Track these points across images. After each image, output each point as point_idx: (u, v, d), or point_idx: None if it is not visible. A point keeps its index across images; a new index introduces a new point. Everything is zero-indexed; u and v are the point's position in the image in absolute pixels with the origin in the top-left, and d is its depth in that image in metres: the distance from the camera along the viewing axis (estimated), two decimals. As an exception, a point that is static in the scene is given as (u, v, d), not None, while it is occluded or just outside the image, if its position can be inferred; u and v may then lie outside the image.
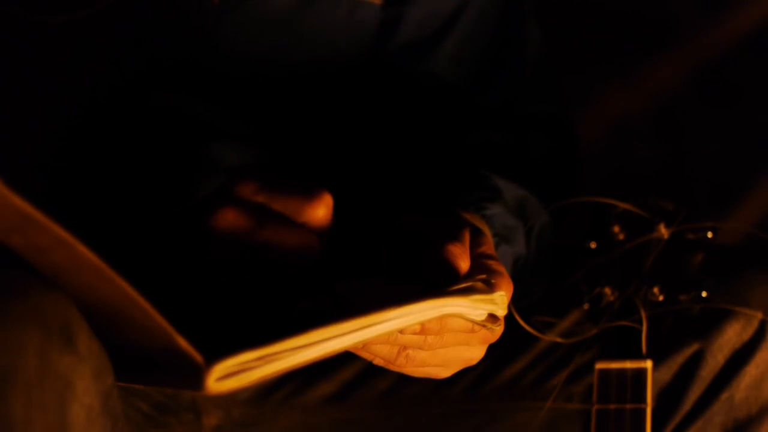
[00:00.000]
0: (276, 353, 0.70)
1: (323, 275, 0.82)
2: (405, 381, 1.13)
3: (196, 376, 0.67)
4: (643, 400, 1.02)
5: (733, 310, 1.07)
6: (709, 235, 1.08)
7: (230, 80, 1.07)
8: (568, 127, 1.23)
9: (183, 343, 0.68)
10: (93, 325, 0.74)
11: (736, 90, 1.68)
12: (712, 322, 1.07)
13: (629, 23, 1.69)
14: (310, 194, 0.82)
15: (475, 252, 0.88)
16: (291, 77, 1.09)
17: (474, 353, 0.87)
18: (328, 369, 1.14)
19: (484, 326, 0.84)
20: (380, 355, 0.83)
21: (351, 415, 1.13)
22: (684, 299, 1.07)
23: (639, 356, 1.04)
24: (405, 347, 0.83)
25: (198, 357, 0.68)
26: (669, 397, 1.08)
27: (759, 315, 1.07)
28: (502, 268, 0.87)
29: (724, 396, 1.06)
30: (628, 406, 1.02)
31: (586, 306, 1.09)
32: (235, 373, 0.68)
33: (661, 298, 1.07)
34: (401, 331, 0.81)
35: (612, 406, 1.02)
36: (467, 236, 0.88)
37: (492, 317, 0.84)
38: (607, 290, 1.08)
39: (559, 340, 1.10)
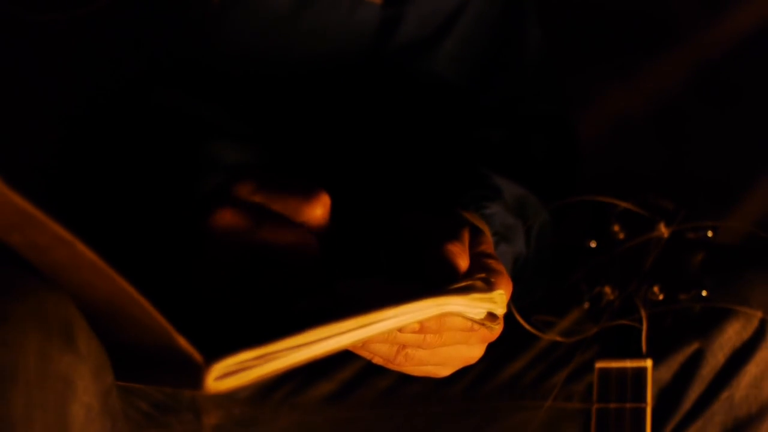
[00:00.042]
0: (275, 352, 0.70)
1: (322, 274, 0.82)
2: (405, 380, 1.13)
3: (195, 375, 0.67)
4: (643, 399, 1.02)
5: (733, 309, 1.07)
6: (709, 234, 1.08)
7: (230, 79, 1.07)
8: (568, 126, 1.23)
9: (182, 342, 0.68)
10: (92, 323, 0.74)
11: (736, 89, 1.68)
12: (712, 321, 1.07)
13: (629, 23, 1.69)
14: (307, 194, 0.82)
15: (475, 251, 0.88)
16: (291, 76, 1.09)
17: (473, 352, 0.87)
18: (327, 368, 1.14)
19: (483, 325, 0.84)
20: (379, 354, 0.83)
21: (351, 414, 1.14)
22: (684, 298, 1.07)
23: (639, 355, 1.04)
24: (404, 346, 0.83)
25: (197, 356, 0.68)
26: (669, 396, 1.08)
27: (759, 314, 1.07)
28: (501, 267, 0.87)
29: (725, 395, 1.06)
30: (628, 405, 1.02)
31: (586, 305, 1.09)
32: (234, 372, 0.68)
33: (661, 297, 1.07)
34: (400, 330, 0.81)
35: (612, 406, 1.02)
36: (467, 235, 0.88)
37: (491, 316, 0.84)
38: (607, 289, 1.08)
39: (559, 339, 1.10)
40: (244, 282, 0.82)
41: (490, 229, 1.00)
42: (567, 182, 1.21)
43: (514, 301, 1.00)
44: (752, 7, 1.65)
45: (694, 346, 1.07)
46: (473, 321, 0.83)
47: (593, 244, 1.10)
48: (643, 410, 1.01)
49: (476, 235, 0.91)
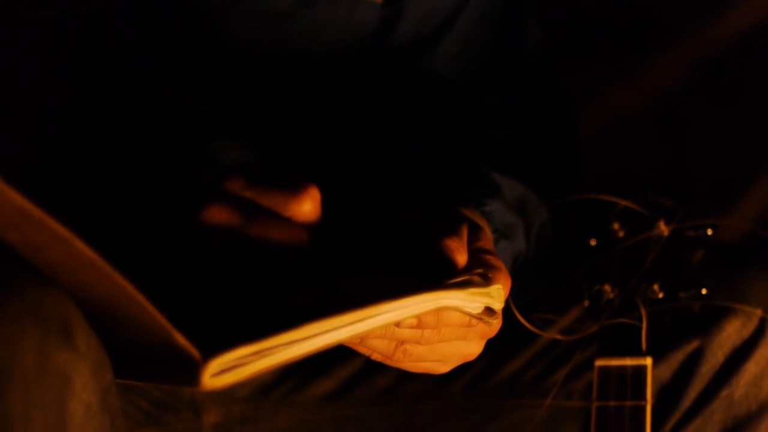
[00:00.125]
0: (272, 347, 0.70)
1: (315, 269, 0.82)
2: (404, 378, 1.13)
3: (192, 371, 0.68)
4: (643, 397, 1.02)
5: (733, 307, 1.07)
6: (709, 232, 1.08)
7: (230, 78, 1.07)
8: (568, 124, 1.23)
9: (180, 338, 0.68)
10: (91, 321, 0.75)
11: (736, 88, 1.68)
12: (712, 319, 1.07)
13: (629, 21, 1.69)
14: (295, 189, 0.82)
15: (473, 247, 0.88)
16: (291, 74, 1.09)
17: (472, 348, 0.87)
18: (327, 366, 1.14)
19: (481, 319, 0.84)
20: (378, 350, 0.84)
21: (350, 412, 1.14)
22: (684, 296, 1.07)
23: (639, 353, 1.04)
24: (402, 342, 0.83)
25: (195, 352, 0.68)
26: (669, 394, 1.07)
27: (759, 312, 1.07)
28: (500, 263, 0.87)
29: (724, 393, 1.06)
30: (627, 403, 1.02)
31: (586, 303, 1.09)
32: (232, 368, 0.69)
33: (661, 295, 1.07)
34: (398, 326, 0.81)
35: (612, 404, 1.02)
36: (465, 231, 0.88)
37: (489, 311, 0.84)
38: (607, 287, 1.08)
39: (559, 337, 1.10)
40: (236, 278, 0.82)
41: (489, 226, 1.00)
42: (567, 180, 1.21)
43: (513, 298, 1.00)
44: (752, 6, 1.65)
45: (693, 345, 1.07)
46: (471, 316, 0.83)
47: (593, 242, 1.10)
48: (643, 408, 1.01)
49: (475, 231, 0.91)
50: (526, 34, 1.21)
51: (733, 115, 1.68)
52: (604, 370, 1.04)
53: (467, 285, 0.82)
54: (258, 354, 0.69)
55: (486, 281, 0.84)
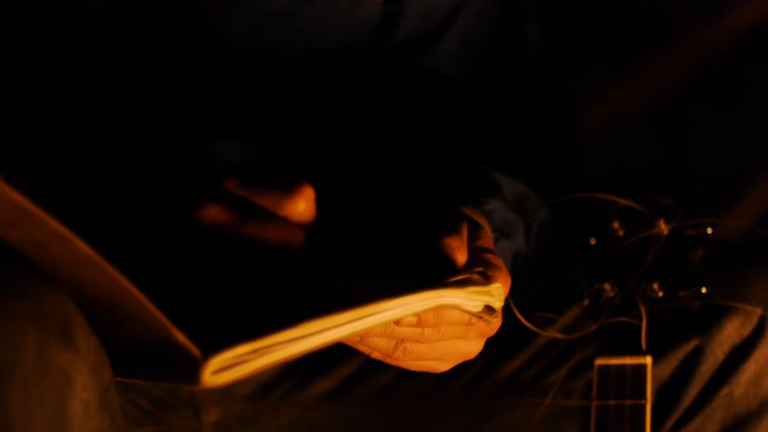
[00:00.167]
0: (271, 345, 0.70)
1: (311, 268, 0.82)
2: (404, 377, 1.13)
3: (192, 369, 0.68)
4: (643, 396, 1.02)
5: (733, 306, 1.07)
6: (709, 231, 1.08)
7: (230, 76, 1.07)
8: (568, 123, 1.23)
9: (180, 336, 0.68)
10: (90, 319, 0.75)
11: (736, 87, 1.68)
12: (711, 318, 1.07)
13: (629, 20, 1.69)
14: (289, 188, 0.82)
15: (473, 245, 0.88)
16: (291, 73, 1.09)
17: (472, 347, 0.87)
18: (327, 366, 1.14)
19: (480, 318, 0.84)
20: (378, 349, 0.84)
21: (350, 411, 1.14)
22: (684, 295, 1.06)
23: (639, 352, 1.04)
24: (402, 340, 0.83)
25: (195, 350, 0.68)
26: (668, 393, 1.07)
27: (758, 311, 1.07)
28: (499, 262, 0.87)
29: (724, 392, 1.06)
30: (627, 402, 1.02)
31: (585, 302, 1.09)
32: (231, 366, 0.69)
33: (660, 294, 1.07)
34: (398, 324, 0.81)
35: (611, 402, 1.02)
36: (465, 230, 0.88)
37: (489, 309, 0.84)
38: (607, 286, 1.08)
39: (558, 336, 1.10)
40: (231, 277, 0.82)
41: (489, 225, 1.00)
42: (567, 179, 1.21)
43: (513, 297, 1.00)
44: (752, 5, 1.65)
45: (693, 343, 1.07)
46: (471, 314, 0.83)
47: (593, 241, 1.10)
48: (643, 407, 1.01)
49: (475, 230, 0.91)
50: (526, 33, 1.22)
51: (733, 114, 1.68)
52: (604, 368, 1.04)
53: (467, 283, 0.82)
54: (258, 352, 0.69)
55: (486, 280, 0.84)
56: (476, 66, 1.17)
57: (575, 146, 1.23)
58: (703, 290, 1.06)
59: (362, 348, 0.84)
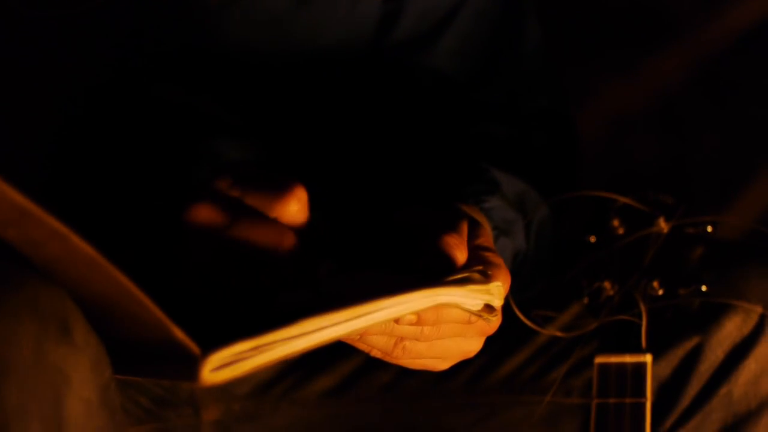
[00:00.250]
0: (271, 343, 0.70)
1: (301, 270, 0.82)
2: (404, 375, 1.13)
3: (191, 366, 0.68)
4: (643, 394, 1.02)
5: (733, 304, 1.07)
6: (709, 229, 1.08)
7: (229, 75, 1.07)
8: (568, 121, 1.23)
9: (179, 334, 0.68)
10: (90, 318, 0.75)
11: (735, 85, 1.68)
12: (711, 316, 1.07)
13: (629, 18, 1.69)
14: (281, 189, 0.82)
15: (473, 244, 0.88)
16: (292, 72, 1.09)
17: (471, 345, 0.87)
18: (327, 364, 1.14)
19: (480, 317, 0.84)
20: (377, 347, 0.83)
21: (350, 409, 1.14)
22: (683, 293, 1.06)
23: (638, 350, 1.04)
24: (402, 339, 0.83)
25: (194, 348, 0.68)
26: (668, 391, 1.07)
27: (758, 309, 1.07)
28: (499, 260, 0.87)
29: (723, 390, 1.06)
30: (627, 400, 1.02)
31: (585, 300, 1.09)
32: (230, 363, 0.69)
33: (660, 292, 1.07)
34: (397, 322, 0.81)
35: (611, 401, 1.02)
36: (465, 228, 0.88)
37: (488, 308, 0.84)
38: (607, 284, 1.08)
39: (558, 334, 1.10)
40: (221, 277, 0.82)
41: (489, 223, 1.00)
42: (567, 177, 1.21)
43: (513, 295, 1.00)
44: (752, 3, 1.65)
45: (693, 342, 1.07)
46: (470, 312, 0.83)
47: (593, 239, 1.10)
48: (643, 405, 1.01)
49: (475, 228, 0.91)
50: (526, 31, 1.21)
51: (733, 112, 1.68)
52: (604, 367, 1.04)
53: (467, 282, 0.82)
54: (257, 349, 0.69)
55: (485, 278, 0.84)
56: (476, 64, 1.17)
57: (575, 144, 1.23)
58: (703, 288, 1.06)
59: (362, 346, 0.84)
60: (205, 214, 0.81)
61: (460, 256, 0.84)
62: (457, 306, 0.82)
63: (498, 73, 1.18)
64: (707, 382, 1.07)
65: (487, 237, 0.91)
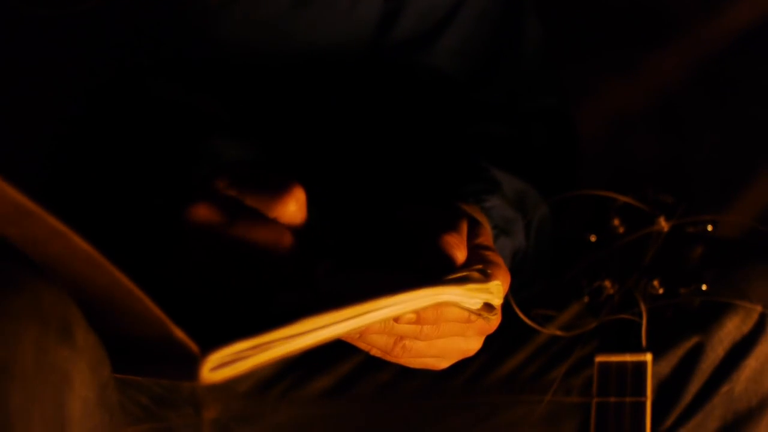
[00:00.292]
0: (271, 341, 0.70)
1: (298, 270, 0.82)
2: (404, 375, 1.13)
3: (191, 365, 0.68)
4: (643, 393, 1.02)
5: (733, 303, 1.07)
6: (709, 228, 1.08)
7: (230, 75, 1.07)
8: (568, 120, 1.23)
9: (179, 333, 0.68)
10: (89, 316, 0.75)
11: (735, 83, 1.68)
12: (712, 315, 1.07)
13: (629, 17, 1.69)
14: (280, 189, 0.82)
15: (473, 243, 0.88)
16: (292, 72, 1.09)
17: (471, 344, 0.87)
18: (327, 363, 1.14)
19: (480, 315, 0.84)
20: (377, 346, 0.83)
21: (350, 408, 1.14)
22: (684, 292, 1.06)
23: (639, 349, 1.04)
24: (401, 337, 0.83)
25: (194, 346, 0.68)
26: (669, 390, 1.07)
27: (759, 308, 1.07)
28: (499, 259, 0.87)
29: (724, 389, 1.06)
30: (627, 399, 1.02)
31: (585, 299, 1.09)
32: (230, 362, 0.69)
33: (661, 291, 1.07)
34: (397, 321, 0.81)
35: (612, 400, 1.02)
36: (464, 227, 0.88)
37: (488, 307, 0.84)
38: (607, 283, 1.08)
39: (558, 333, 1.10)
40: (219, 277, 0.82)
41: (489, 222, 1.00)
42: (567, 176, 1.21)
43: (513, 294, 1.00)
44: (752, 3, 1.65)
45: (693, 340, 1.07)
46: (470, 311, 0.83)
47: (593, 238, 1.10)
48: (643, 404, 1.01)
49: (475, 227, 0.91)
50: (526, 30, 1.21)
51: (733, 111, 1.68)
52: (604, 366, 1.04)
53: (466, 281, 0.82)
54: (257, 348, 0.69)
55: (485, 277, 0.84)
56: (476, 64, 1.17)
57: (575, 143, 1.23)
58: (704, 287, 1.06)
59: (361, 345, 0.84)
60: (204, 213, 0.81)
61: (460, 255, 0.84)
62: (456, 305, 0.82)
63: (498, 72, 1.18)
64: (708, 380, 1.07)
65: (486, 236, 0.91)
